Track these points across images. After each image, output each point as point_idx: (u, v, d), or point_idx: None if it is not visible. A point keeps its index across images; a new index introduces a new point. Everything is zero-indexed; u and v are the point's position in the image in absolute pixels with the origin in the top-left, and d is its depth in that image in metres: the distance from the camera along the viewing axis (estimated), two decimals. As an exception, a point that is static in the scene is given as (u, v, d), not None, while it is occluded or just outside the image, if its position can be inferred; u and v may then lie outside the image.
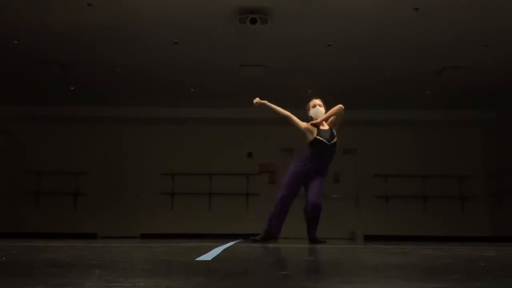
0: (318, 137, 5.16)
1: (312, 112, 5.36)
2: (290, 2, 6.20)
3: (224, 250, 3.26)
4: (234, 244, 4.53)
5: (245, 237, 8.04)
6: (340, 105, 5.27)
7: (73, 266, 2.05)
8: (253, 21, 6.33)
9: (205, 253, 2.85)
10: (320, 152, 5.17)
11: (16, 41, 7.32)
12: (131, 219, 10.64)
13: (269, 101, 5.43)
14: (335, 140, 5.24)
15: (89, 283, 1.44)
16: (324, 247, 4.27)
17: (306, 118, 5.45)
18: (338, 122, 5.36)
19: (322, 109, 5.36)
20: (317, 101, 5.41)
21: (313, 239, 5.24)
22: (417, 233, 9.76)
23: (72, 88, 9.39)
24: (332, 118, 5.28)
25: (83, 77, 8.89)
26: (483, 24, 6.65)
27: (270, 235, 5.31)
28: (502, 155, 10.32)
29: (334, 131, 5.30)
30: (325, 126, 5.29)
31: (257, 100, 5.36)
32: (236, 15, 6.40)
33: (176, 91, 9.67)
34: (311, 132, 5.20)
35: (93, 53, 7.82)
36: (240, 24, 6.45)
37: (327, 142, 5.16)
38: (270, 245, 4.60)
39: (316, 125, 5.21)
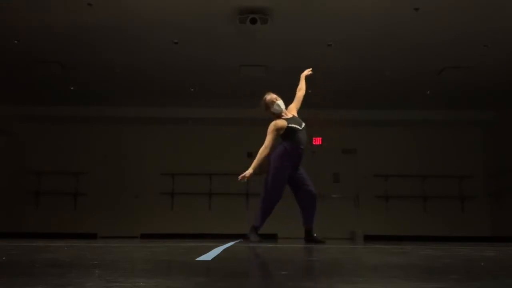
0: (290, 125, 5.08)
1: (275, 108, 5.17)
2: (290, 2, 6.20)
3: (224, 250, 3.26)
4: (234, 244, 4.53)
5: (245, 237, 8.03)
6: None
7: (73, 266, 2.05)
8: (253, 21, 6.33)
9: (205, 253, 2.85)
10: (297, 140, 5.07)
11: (16, 41, 7.32)
12: (131, 219, 10.63)
13: None
14: (304, 123, 5.18)
15: (89, 283, 1.44)
16: (324, 247, 4.27)
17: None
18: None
19: (282, 101, 5.23)
20: (274, 95, 5.25)
21: (311, 239, 5.20)
22: (417, 233, 9.75)
23: (72, 88, 9.39)
24: (297, 105, 5.32)
25: (83, 77, 8.90)
26: (483, 24, 6.65)
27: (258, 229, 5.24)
28: (502, 155, 10.32)
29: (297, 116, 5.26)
30: (289, 115, 5.23)
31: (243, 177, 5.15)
32: (236, 15, 6.40)
33: (176, 91, 9.67)
34: (281, 127, 5.10)
35: (93, 53, 7.82)
36: (240, 24, 6.45)
37: (299, 128, 5.11)
38: (270, 245, 4.60)
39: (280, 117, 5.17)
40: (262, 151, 5.09)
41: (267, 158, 5.19)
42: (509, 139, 10.10)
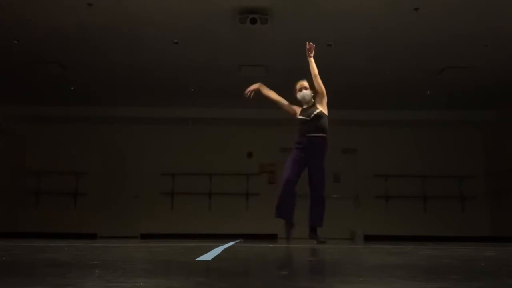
0: (299, 117, 5.29)
1: (299, 96, 5.36)
2: (290, 2, 6.20)
3: (224, 250, 3.26)
4: (234, 244, 4.53)
5: (245, 237, 8.03)
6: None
7: (73, 266, 2.05)
8: (253, 21, 6.33)
9: (205, 253, 2.85)
10: (302, 130, 5.22)
11: (16, 41, 7.32)
12: (131, 219, 10.63)
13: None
14: (315, 113, 5.20)
15: (89, 283, 1.44)
16: (324, 247, 4.27)
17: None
18: (320, 92, 5.32)
19: (308, 92, 5.31)
20: (304, 83, 5.37)
21: (315, 237, 5.19)
22: (417, 233, 9.75)
23: (72, 88, 9.39)
24: (320, 95, 5.34)
25: (83, 77, 8.89)
26: (483, 24, 6.65)
27: (286, 220, 5.22)
28: (502, 155, 10.32)
29: (319, 106, 5.26)
30: (309, 104, 5.35)
31: (252, 88, 5.45)
32: (236, 15, 6.40)
33: (176, 91, 9.66)
34: (294, 111, 5.36)
35: (93, 53, 7.82)
36: (240, 24, 6.45)
37: (306, 118, 5.20)
38: (270, 245, 4.60)
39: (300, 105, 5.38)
40: (276, 94, 5.49)
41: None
42: (509, 139, 10.09)
